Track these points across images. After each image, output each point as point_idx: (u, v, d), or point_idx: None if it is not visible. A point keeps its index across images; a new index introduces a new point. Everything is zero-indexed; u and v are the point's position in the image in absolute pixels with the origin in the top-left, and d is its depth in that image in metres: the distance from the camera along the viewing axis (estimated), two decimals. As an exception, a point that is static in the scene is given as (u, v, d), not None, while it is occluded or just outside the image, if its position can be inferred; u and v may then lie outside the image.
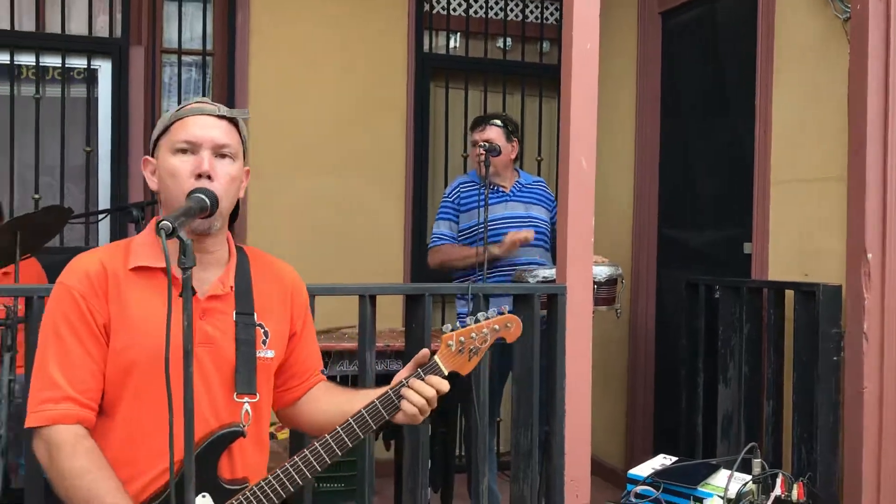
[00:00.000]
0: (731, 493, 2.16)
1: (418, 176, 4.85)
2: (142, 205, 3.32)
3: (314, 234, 4.52)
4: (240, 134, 1.72)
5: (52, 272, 3.54)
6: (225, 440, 1.62)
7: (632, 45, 4.65)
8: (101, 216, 3.99)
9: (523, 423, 2.81)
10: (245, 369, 1.66)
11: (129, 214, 3.27)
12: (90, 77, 4.49)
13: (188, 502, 1.34)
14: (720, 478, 2.27)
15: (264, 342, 1.71)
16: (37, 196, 4.35)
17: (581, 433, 2.78)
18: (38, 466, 1.73)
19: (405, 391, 1.70)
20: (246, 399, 1.66)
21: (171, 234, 1.39)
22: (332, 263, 4.33)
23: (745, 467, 2.26)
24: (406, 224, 4.84)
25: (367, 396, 1.73)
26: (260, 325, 1.71)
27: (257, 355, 1.69)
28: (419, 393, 1.68)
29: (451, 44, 5.01)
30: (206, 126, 1.66)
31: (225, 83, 4.59)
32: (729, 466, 2.27)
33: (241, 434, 1.64)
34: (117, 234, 4.41)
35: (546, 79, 4.97)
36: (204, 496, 1.60)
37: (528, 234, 3.43)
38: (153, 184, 1.70)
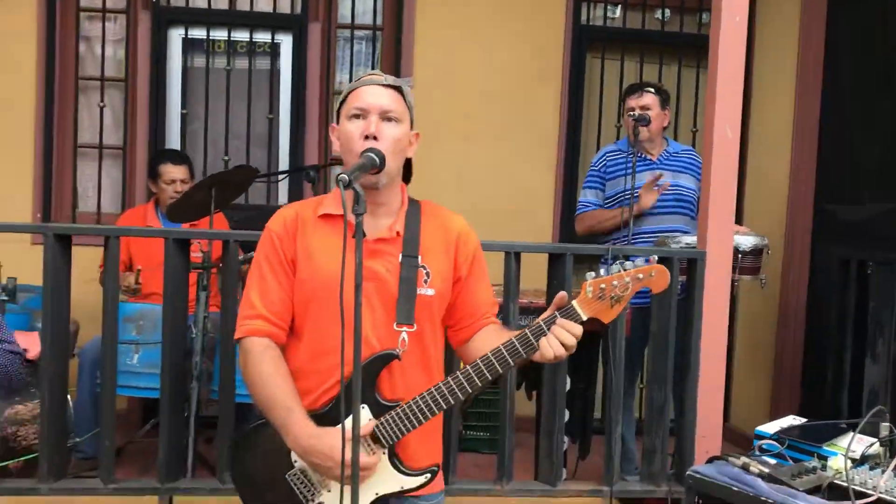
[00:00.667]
0: (856, 454, 2.22)
1: (570, 145, 5.00)
2: (317, 167, 3.67)
3: (467, 199, 4.76)
4: (405, 100, 1.96)
5: (239, 227, 4.01)
6: (382, 361, 1.86)
7: (794, 14, 4.56)
8: (280, 177, 4.41)
9: (657, 380, 2.95)
10: (405, 303, 1.89)
11: (306, 175, 3.63)
12: (273, 51, 4.95)
13: (354, 406, 1.62)
14: (847, 440, 2.33)
15: (425, 281, 1.92)
16: (226, 158, 4.87)
17: (714, 393, 2.90)
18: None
19: (543, 333, 1.81)
20: (404, 329, 1.89)
21: (348, 185, 1.67)
22: (484, 229, 4.53)
23: (876, 432, 2.31)
24: (557, 192, 5.01)
25: (512, 333, 1.90)
26: (423, 267, 1.93)
27: (418, 292, 1.91)
28: (554, 335, 1.78)
29: (609, 15, 5.10)
30: (374, 94, 1.92)
31: (392, 56, 4.91)
32: (860, 431, 2.32)
33: (396, 357, 1.87)
34: (294, 193, 4.88)
35: (705, 50, 4.94)
36: (364, 407, 1.87)
37: (663, 181, 3.51)
38: (337, 146, 1.98)
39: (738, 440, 4.20)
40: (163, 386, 2.69)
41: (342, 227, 1.86)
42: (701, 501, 2.49)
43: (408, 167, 2.01)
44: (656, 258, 1.83)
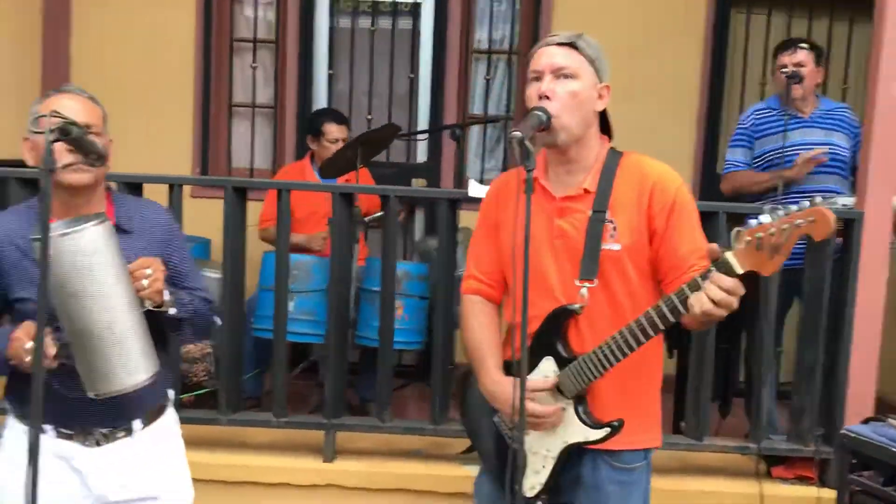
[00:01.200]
0: None
1: (713, 103, 4.91)
2: (461, 125, 3.77)
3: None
4: (584, 54, 1.94)
5: (380, 182, 4.18)
6: (562, 316, 1.92)
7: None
8: (423, 135, 4.54)
9: (808, 340, 2.94)
10: (589, 259, 1.92)
11: (452, 133, 3.74)
12: (415, 11, 5.06)
13: (521, 360, 1.72)
14: None
15: (612, 236, 1.92)
16: (369, 117, 5.05)
17: (869, 355, 2.86)
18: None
19: (698, 287, 1.73)
20: (585, 284, 1.92)
21: (521, 142, 1.75)
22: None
23: None
24: (697, 150, 4.95)
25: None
26: (610, 221, 1.93)
27: (602, 247, 1.92)
28: (704, 291, 1.66)
29: (756, -32, 4.94)
30: (546, 55, 1.96)
31: (532, 13, 4.94)
32: None
33: (576, 312, 1.90)
34: (434, 151, 5.02)
35: (858, 4, 4.74)
36: (548, 359, 1.95)
37: (821, 155, 3.43)
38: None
39: (881, 406, 4.10)
40: (328, 332, 2.89)
41: (538, 189, 1.96)
42: (854, 461, 2.50)
43: (605, 120, 2.00)
44: (819, 199, 1.59)
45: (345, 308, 2.92)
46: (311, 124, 4.25)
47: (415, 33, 5.06)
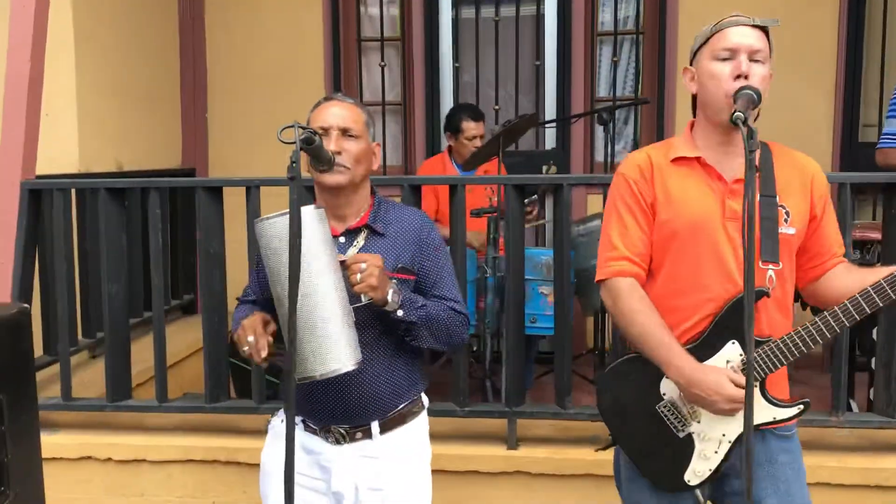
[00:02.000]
0: None
1: (850, 70, 4.76)
2: (611, 108, 3.75)
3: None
4: (769, 41, 1.95)
5: (511, 171, 4.20)
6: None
7: None
8: (573, 120, 4.54)
9: None
10: (769, 241, 1.91)
11: (599, 118, 3.73)
12: (538, -3, 5.06)
13: (748, 348, 1.71)
14: None
15: (786, 220, 1.94)
16: (497, 107, 5.09)
17: None
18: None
19: None
20: (770, 266, 1.91)
21: (745, 122, 1.75)
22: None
23: None
24: (836, 119, 4.81)
25: (882, 273, 1.89)
26: (782, 206, 1.94)
27: (779, 231, 1.93)
28: None
29: (893, -74, 4.75)
30: (740, 34, 1.94)
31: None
32: None
33: (766, 294, 1.90)
34: (562, 138, 5.02)
35: None
36: (733, 343, 1.94)
37: None
38: (692, 88, 2.02)
39: None
40: (508, 322, 2.94)
41: (698, 168, 1.96)
42: None
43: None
44: None
45: (521, 298, 2.95)
46: (449, 122, 4.31)
47: (539, 19, 5.06)
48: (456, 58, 5.13)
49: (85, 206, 3.77)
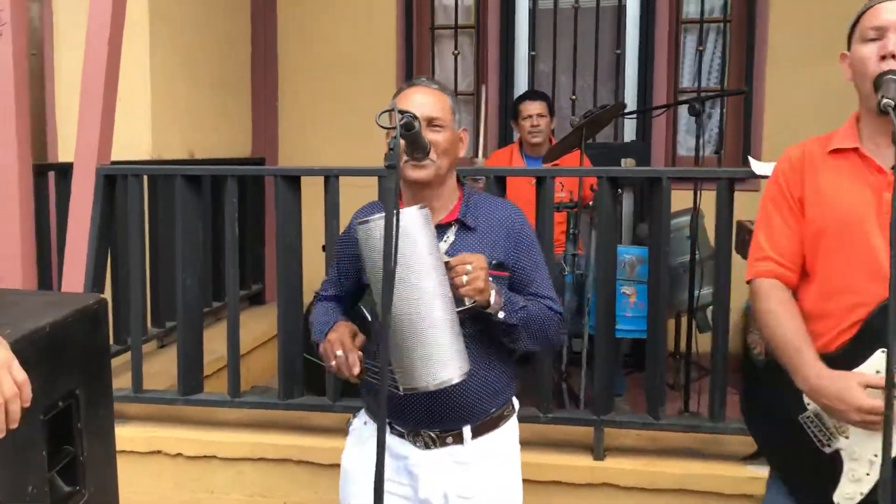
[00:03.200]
0: None
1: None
2: (702, 98, 3.54)
3: (829, 125, 4.41)
4: None
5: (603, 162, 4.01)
6: None
7: None
8: (657, 112, 4.34)
9: None
10: None
11: (691, 108, 3.52)
12: (620, -15, 4.85)
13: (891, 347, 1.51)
14: None
15: None
16: (573, 97, 4.89)
17: None
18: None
19: None
20: None
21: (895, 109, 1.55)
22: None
23: None
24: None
25: None
26: None
27: None
28: None
29: None
30: (890, 10, 1.75)
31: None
32: None
33: None
34: (643, 130, 4.81)
35: None
36: (883, 351, 1.72)
37: None
38: (848, 75, 1.84)
39: None
40: (597, 323, 2.77)
41: (855, 160, 1.78)
42: None
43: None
44: None
45: (612, 300, 2.77)
46: (512, 110, 4.16)
47: (620, 9, 4.85)
48: (532, 46, 4.95)
49: (157, 193, 3.71)
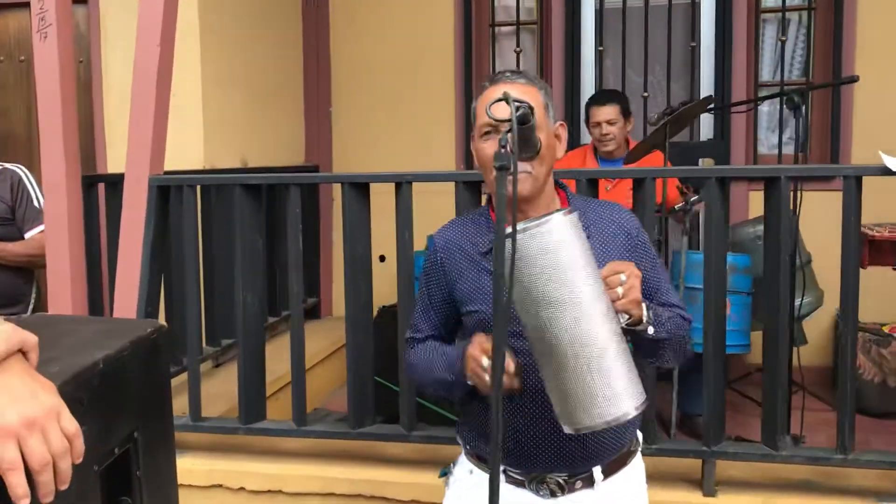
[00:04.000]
0: None
1: None
2: (801, 91, 3.22)
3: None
4: None
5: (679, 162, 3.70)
6: None
7: None
8: (736, 108, 4.03)
9: None
10: None
11: (789, 101, 3.20)
12: (695, -23, 4.53)
13: None
14: None
15: None
16: (645, 94, 4.58)
17: None
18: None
19: None
20: None
21: None
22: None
23: None
24: None
25: None
26: None
27: None
28: None
29: None
30: None
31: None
32: None
33: None
34: (720, 129, 4.48)
35: None
36: None
37: None
38: None
39: None
40: (705, 339, 2.46)
41: None
42: None
43: None
44: None
45: (723, 315, 2.46)
46: (585, 112, 3.86)
47: (693, 5, 4.52)
48: (599, 41, 4.65)
49: (210, 204, 3.49)
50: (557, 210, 1.39)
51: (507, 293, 1.23)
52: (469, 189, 2.52)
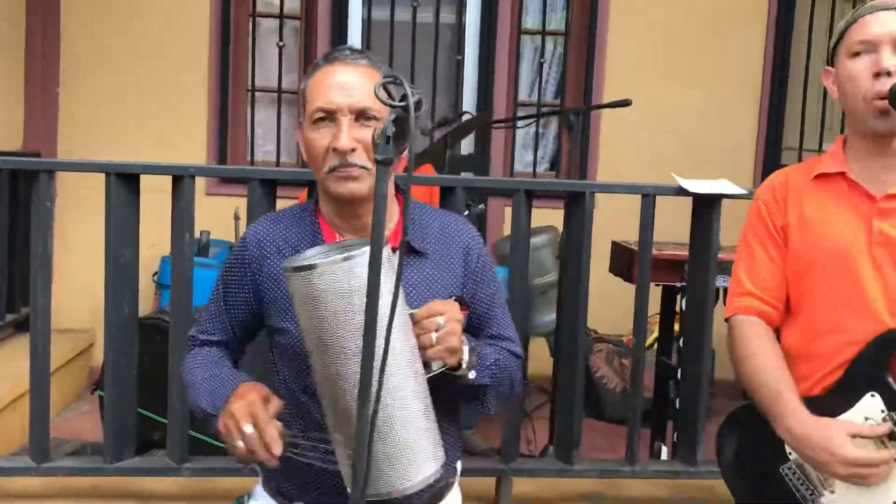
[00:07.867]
0: None
1: (776, 91, 4.66)
2: (578, 110, 3.33)
3: (670, 142, 4.47)
4: None
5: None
6: (893, 342, 1.53)
7: None
8: (522, 123, 4.07)
9: None
10: None
11: (565, 120, 3.30)
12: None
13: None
14: None
15: None
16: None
17: None
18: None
19: None
20: None
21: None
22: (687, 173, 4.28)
23: None
24: (759, 139, 4.69)
25: None
26: None
27: None
28: None
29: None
30: (880, 22, 1.55)
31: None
32: None
33: None
34: (481, 142, 4.55)
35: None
36: (873, 395, 1.56)
37: None
38: (834, 93, 1.64)
39: None
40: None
41: (842, 185, 1.60)
42: None
43: None
44: None
45: (523, 322, 2.42)
46: None
47: (460, 24, 4.56)
48: (367, 46, 4.52)
49: None
50: (357, 242, 1.21)
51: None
52: (264, 185, 2.25)
